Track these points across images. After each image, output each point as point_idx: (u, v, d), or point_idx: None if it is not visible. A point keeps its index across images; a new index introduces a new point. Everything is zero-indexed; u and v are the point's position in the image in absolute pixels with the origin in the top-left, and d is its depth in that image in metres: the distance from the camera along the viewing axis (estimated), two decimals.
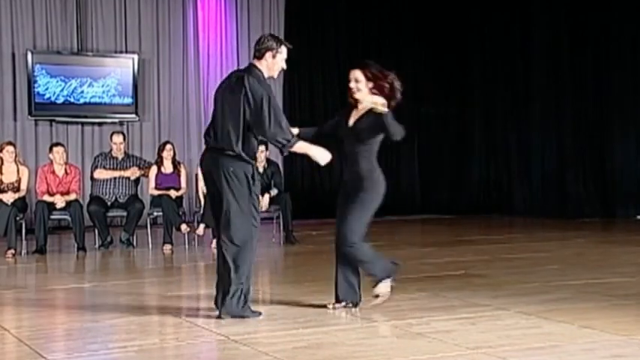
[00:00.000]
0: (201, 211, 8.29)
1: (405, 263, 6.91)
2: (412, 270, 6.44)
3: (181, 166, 8.56)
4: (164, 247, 8.01)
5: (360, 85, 4.69)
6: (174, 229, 8.09)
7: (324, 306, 4.87)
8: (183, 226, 8.13)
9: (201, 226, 8.24)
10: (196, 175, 8.62)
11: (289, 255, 7.95)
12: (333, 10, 11.95)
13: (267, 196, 8.40)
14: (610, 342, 3.90)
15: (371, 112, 4.62)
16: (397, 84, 4.69)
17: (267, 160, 8.68)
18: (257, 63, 4.58)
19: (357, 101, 4.74)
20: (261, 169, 8.57)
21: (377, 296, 4.80)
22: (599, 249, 7.84)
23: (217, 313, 4.56)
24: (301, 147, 4.59)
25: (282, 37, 11.45)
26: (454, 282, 5.72)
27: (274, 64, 4.59)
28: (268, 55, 4.56)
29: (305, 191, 11.55)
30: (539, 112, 11.42)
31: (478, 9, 11.99)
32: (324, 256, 7.47)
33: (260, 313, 4.60)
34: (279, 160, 10.55)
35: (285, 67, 4.66)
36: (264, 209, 8.49)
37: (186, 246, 8.25)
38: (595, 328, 4.18)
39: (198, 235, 8.31)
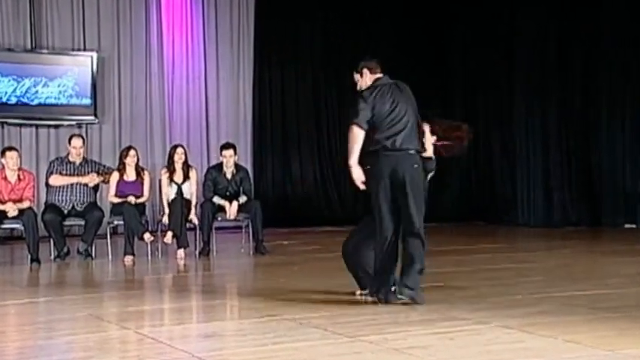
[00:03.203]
0: (167, 218, 8.27)
1: None
2: None
3: (145, 172, 8.54)
4: (125, 259, 7.98)
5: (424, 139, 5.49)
6: (136, 239, 8.06)
7: (295, 320, 4.89)
8: (147, 236, 8.09)
9: (169, 233, 8.23)
10: (160, 180, 8.61)
11: (259, 266, 7.96)
12: (306, 6, 11.99)
13: (235, 203, 8.41)
14: (595, 357, 3.96)
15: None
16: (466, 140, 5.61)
17: (236, 165, 8.70)
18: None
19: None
20: (229, 175, 8.58)
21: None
22: (586, 259, 7.96)
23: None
24: None
25: (251, 34, 11.61)
26: (433, 294, 5.76)
27: None
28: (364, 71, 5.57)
29: (276, 198, 11.57)
30: (524, 117, 11.56)
31: (460, 9, 12.09)
32: (296, 268, 7.51)
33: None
34: (248, 166, 10.58)
35: None
36: (232, 217, 8.51)
37: (149, 257, 8.22)
38: (580, 343, 4.25)
39: (166, 244, 8.29)
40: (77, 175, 8.31)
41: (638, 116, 11.02)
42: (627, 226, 10.89)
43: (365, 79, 5.50)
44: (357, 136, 5.23)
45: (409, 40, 12.29)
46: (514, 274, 6.86)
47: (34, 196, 8.16)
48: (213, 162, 9.97)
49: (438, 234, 10.67)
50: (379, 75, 5.52)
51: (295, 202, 11.82)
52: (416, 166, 5.31)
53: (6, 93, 10.57)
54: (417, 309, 5.22)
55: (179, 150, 8.63)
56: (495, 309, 5.16)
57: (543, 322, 4.74)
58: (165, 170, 8.60)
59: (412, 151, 5.31)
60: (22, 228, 7.91)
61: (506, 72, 11.78)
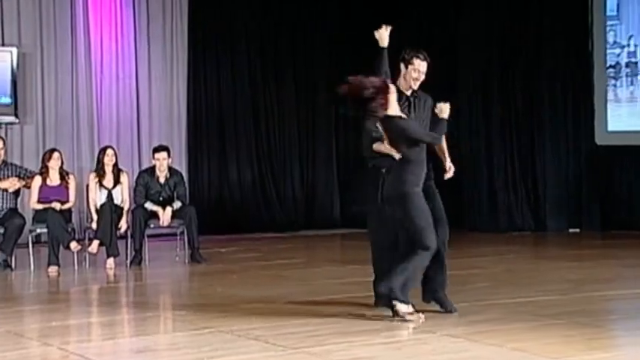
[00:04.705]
0: (95, 226, 8.14)
1: (324, 283, 7.01)
2: (332, 290, 6.52)
3: (70, 176, 8.37)
4: (49, 269, 7.82)
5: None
6: (61, 248, 7.91)
7: (233, 331, 4.86)
8: (73, 244, 7.92)
9: (95, 242, 8.09)
10: (87, 185, 8.46)
11: (195, 275, 7.90)
12: (242, 1, 11.92)
13: (169, 209, 8.33)
14: None
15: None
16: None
17: (170, 168, 8.61)
18: None
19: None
20: (162, 179, 8.49)
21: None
22: (531, 265, 8.13)
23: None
24: None
25: (185, 31, 11.51)
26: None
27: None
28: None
29: (212, 203, 11.48)
30: (467, 119, 11.73)
31: (404, 6, 12.15)
32: (234, 276, 7.47)
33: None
34: (182, 169, 10.48)
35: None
36: (165, 224, 8.42)
37: (76, 267, 8.06)
38: (526, 351, 4.34)
39: (91, 254, 8.13)
40: None
41: (581, 117, 11.30)
42: (572, 230, 11.15)
43: None
44: None
45: (350, 38, 12.34)
46: (460, 280, 6.93)
47: None
48: (145, 165, 9.84)
49: None
50: None
51: (233, 206, 11.75)
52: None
53: None
54: (360, 318, 5.24)
55: (109, 152, 8.49)
56: (441, 317, 5.23)
57: (489, 330, 4.82)
58: (93, 174, 8.46)
59: None
60: None
61: (448, 72, 11.93)
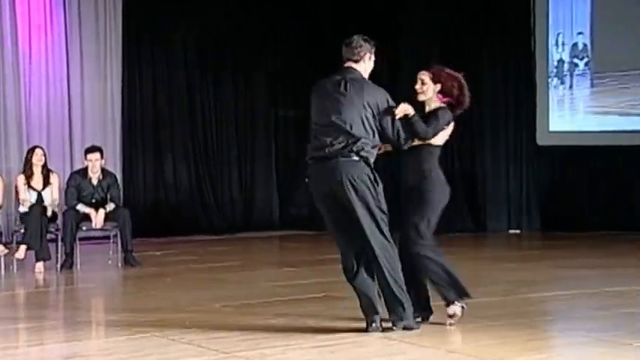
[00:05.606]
0: (23, 230, 7.98)
1: (261, 285, 7.01)
2: (268, 293, 6.52)
3: None
4: None
5: (425, 87, 5.14)
6: None
7: (167, 336, 4.82)
8: (0, 248, 7.79)
9: (22, 247, 7.93)
10: (16, 187, 8.30)
11: (128, 279, 7.82)
12: None
13: (102, 211, 8.22)
14: None
15: (433, 113, 5.07)
16: (466, 86, 5.18)
17: (103, 170, 8.50)
18: (355, 65, 4.96)
19: (422, 104, 5.17)
20: (95, 181, 8.39)
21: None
22: (469, 266, 8.19)
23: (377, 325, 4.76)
24: None
25: (119, 30, 11.36)
26: (314, 305, 5.83)
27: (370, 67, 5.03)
28: (367, 57, 4.99)
29: (147, 206, 11.37)
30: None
31: (346, 5, 12.20)
32: (168, 280, 7.42)
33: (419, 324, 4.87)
34: (116, 170, 10.35)
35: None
36: (98, 226, 8.31)
37: (3, 271, 7.89)
38: (462, 353, 4.41)
39: (18, 260, 7.97)
40: None
41: (523, 118, 11.49)
42: (511, 231, 11.34)
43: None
44: None
45: (289, 36, 12.36)
46: None
47: None
48: (78, 167, 9.70)
49: (319, 242, 10.79)
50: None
51: (169, 209, 11.65)
52: None
53: None
54: (296, 322, 5.25)
55: (37, 152, 8.34)
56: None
57: (426, 333, 4.87)
58: (22, 175, 8.30)
59: None
60: None
61: (389, 74, 12.03)
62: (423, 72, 5.23)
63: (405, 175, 5.30)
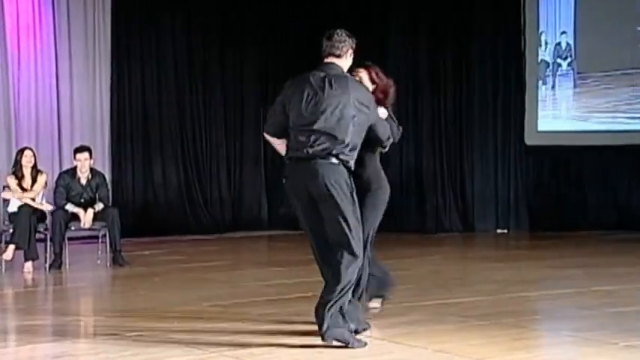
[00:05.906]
0: (11, 230, 7.97)
1: (249, 285, 7.03)
2: (256, 292, 6.54)
3: None
4: None
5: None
6: None
7: (155, 335, 4.84)
8: None
9: (11, 247, 7.92)
10: (5, 187, 8.29)
11: (117, 279, 7.82)
12: None
13: (90, 211, 8.22)
14: None
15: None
16: (393, 91, 5.19)
17: (92, 170, 8.50)
18: (337, 61, 4.79)
19: None
20: (83, 181, 8.39)
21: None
22: (457, 266, 8.28)
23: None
24: None
25: (108, 29, 11.34)
26: (302, 305, 5.84)
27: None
28: (349, 53, 4.83)
29: (136, 206, 11.36)
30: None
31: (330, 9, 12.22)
32: (157, 279, 7.42)
33: (365, 344, 4.56)
34: (105, 170, 10.34)
35: None
36: (86, 226, 8.31)
37: None
38: (449, 352, 4.43)
39: (6, 260, 7.96)
40: None
41: (511, 117, 11.53)
42: (499, 231, 11.39)
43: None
44: None
45: (278, 31, 12.36)
46: None
47: None
48: (66, 166, 9.69)
49: (307, 242, 10.81)
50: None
51: (158, 209, 11.64)
52: None
53: None
54: (284, 321, 5.27)
55: (27, 153, 8.34)
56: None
57: (413, 332, 4.91)
58: (12, 176, 8.30)
59: None
60: None
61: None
62: (361, 69, 5.12)
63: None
